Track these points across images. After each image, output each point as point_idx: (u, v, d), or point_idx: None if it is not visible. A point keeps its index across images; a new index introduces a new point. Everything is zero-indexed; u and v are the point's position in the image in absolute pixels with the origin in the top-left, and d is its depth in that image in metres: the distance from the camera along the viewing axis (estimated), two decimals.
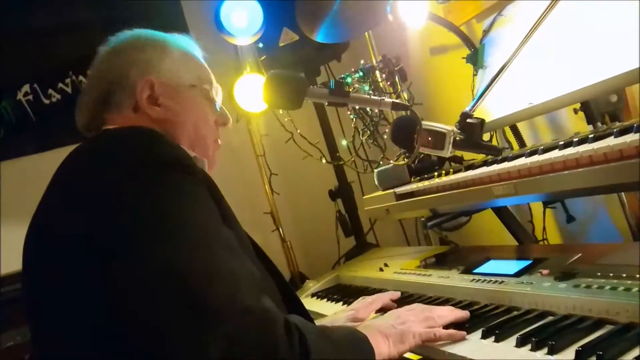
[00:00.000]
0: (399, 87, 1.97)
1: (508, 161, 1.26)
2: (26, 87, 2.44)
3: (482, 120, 1.40)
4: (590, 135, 1.05)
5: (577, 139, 1.08)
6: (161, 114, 1.12)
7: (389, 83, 1.88)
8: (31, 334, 0.96)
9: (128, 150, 0.94)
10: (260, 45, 2.30)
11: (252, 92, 2.36)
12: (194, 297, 0.80)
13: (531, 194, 1.15)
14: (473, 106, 1.41)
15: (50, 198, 0.97)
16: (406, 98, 2.01)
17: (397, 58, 2.16)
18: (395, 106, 1.30)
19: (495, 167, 1.26)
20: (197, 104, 1.18)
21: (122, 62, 1.13)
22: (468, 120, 1.40)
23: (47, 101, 2.46)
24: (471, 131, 1.40)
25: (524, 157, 1.21)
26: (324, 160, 2.29)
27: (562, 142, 1.12)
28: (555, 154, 1.09)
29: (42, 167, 2.44)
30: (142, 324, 0.80)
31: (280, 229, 2.52)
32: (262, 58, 2.30)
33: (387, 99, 1.30)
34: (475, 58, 1.76)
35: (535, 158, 1.13)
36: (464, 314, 1.12)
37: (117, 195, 0.86)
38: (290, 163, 2.54)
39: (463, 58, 1.79)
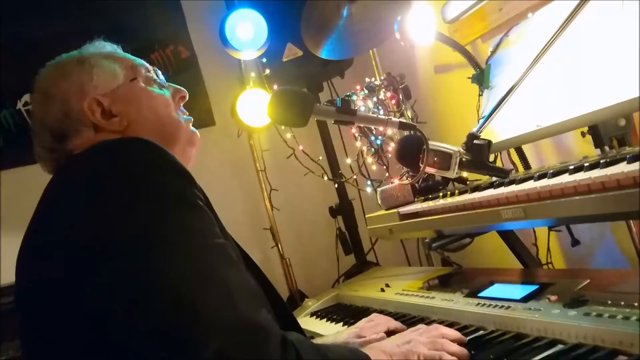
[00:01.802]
0: (403, 105, 1.95)
1: (516, 184, 1.24)
2: (26, 97, 2.41)
3: (489, 142, 1.39)
4: (601, 160, 1.04)
5: (587, 164, 1.07)
6: (123, 123, 1.11)
7: (393, 102, 1.87)
8: (22, 347, 0.94)
9: (122, 157, 0.92)
10: (264, 60, 2.29)
11: (254, 107, 2.34)
12: (187, 307, 0.77)
13: (541, 218, 1.13)
14: (480, 127, 1.39)
15: (44, 208, 0.95)
16: (410, 116, 1.99)
17: (402, 76, 2.15)
18: (402, 126, 1.29)
19: (503, 190, 1.24)
20: (145, 92, 1.16)
21: (57, 97, 1.10)
22: (475, 141, 1.38)
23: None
24: (478, 152, 1.38)
25: (532, 181, 1.19)
26: (325, 178, 2.27)
27: (572, 167, 1.10)
28: (566, 178, 1.07)
29: (42, 177, 2.43)
30: (133, 333, 0.78)
31: (280, 246, 2.49)
32: (266, 73, 2.29)
33: (394, 118, 1.28)
34: (481, 78, 1.75)
35: (545, 182, 1.11)
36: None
37: (111, 202, 0.85)
38: (291, 179, 2.52)
39: (468, 78, 1.78)
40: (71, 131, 1.09)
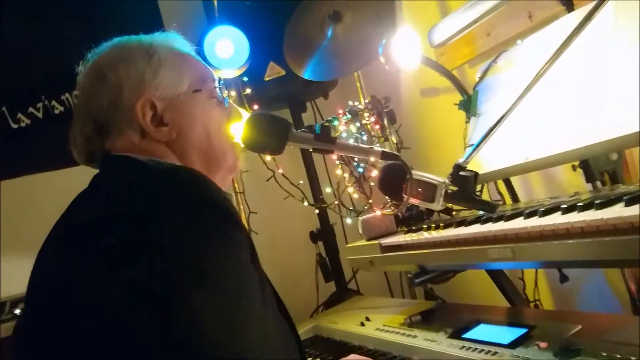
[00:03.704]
0: (388, 129, 1.88)
1: (505, 220, 1.17)
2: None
3: (476, 174, 1.31)
4: (596, 201, 0.97)
5: (581, 203, 1.00)
6: (172, 134, 1.01)
7: (377, 127, 1.79)
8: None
9: (177, 190, 0.82)
10: (245, 78, 2.21)
11: (234, 127, 2.25)
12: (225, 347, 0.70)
13: (530, 260, 1.06)
14: (467, 158, 1.32)
15: (78, 231, 0.83)
16: (394, 141, 1.92)
17: (386, 99, 2.09)
18: (385, 156, 1.21)
19: (490, 227, 1.17)
20: (205, 108, 1.06)
21: (111, 82, 0.99)
22: (461, 172, 1.31)
23: (15, 126, 2.32)
24: (464, 184, 1.30)
25: (522, 218, 1.12)
26: (305, 203, 2.19)
27: (564, 205, 1.03)
28: (558, 218, 1.00)
29: (5, 194, 2.34)
30: None
31: None
32: (246, 92, 2.20)
33: (376, 148, 1.20)
34: (468, 105, 1.69)
35: (536, 221, 1.04)
36: None
37: (165, 236, 0.75)
38: (270, 202, 2.43)
39: (456, 104, 1.72)
40: (115, 128, 0.99)
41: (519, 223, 1.10)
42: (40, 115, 2.35)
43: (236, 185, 2.44)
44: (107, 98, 0.99)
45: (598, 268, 1.61)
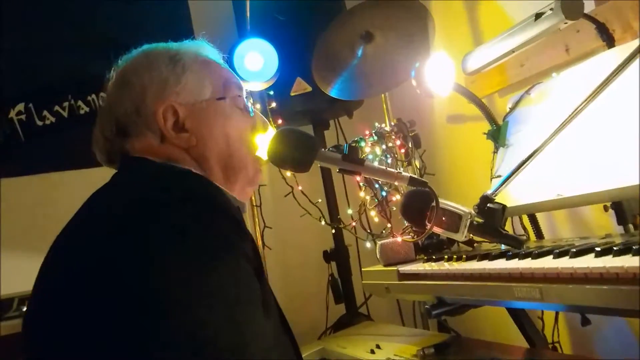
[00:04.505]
0: (412, 154, 1.85)
1: (532, 258, 1.13)
2: (20, 106, 2.31)
3: (504, 207, 1.27)
4: (634, 247, 0.92)
5: (617, 248, 0.95)
6: (192, 141, 1.00)
7: (402, 150, 1.76)
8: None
9: (187, 204, 0.80)
10: (271, 92, 2.20)
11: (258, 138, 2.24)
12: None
13: (558, 303, 1.01)
14: (496, 190, 1.28)
15: (92, 238, 0.81)
16: (418, 166, 1.89)
17: (412, 122, 2.05)
18: (412, 181, 1.18)
19: (517, 264, 1.13)
20: (228, 116, 1.05)
21: (135, 88, 1.00)
22: (489, 204, 1.27)
23: (40, 123, 2.33)
24: (491, 217, 1.26)
25: (551, 257, 1.08)
26: (322, 222, 2.15)
27: (598, 248, 0.99)
28: (592, 261, 0.95)
29: (22, 191, 2.34)
30: None
31: None
32: (272, 106, 2.19)
33: (404, 173, 1.17)
34: (497, 135, 1.65)
35: (567, 262, 1.00)
36: None
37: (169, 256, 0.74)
38: (286, 218, 2.40)
39: (484, 133, 1.68)
40: (135, 131, 1.00)
41: (548, 262, 1.06)
42: (65, 114, 2.36)
43: (253, 198, 2.41)
44: (131, 103, 1.00)
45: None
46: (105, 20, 2.43)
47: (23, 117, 2.31)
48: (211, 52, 1.10)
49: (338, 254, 2.37)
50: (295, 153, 1.09)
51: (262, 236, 2.39)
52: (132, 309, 0.71)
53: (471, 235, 1.31)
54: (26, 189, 2.26)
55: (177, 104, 1.00)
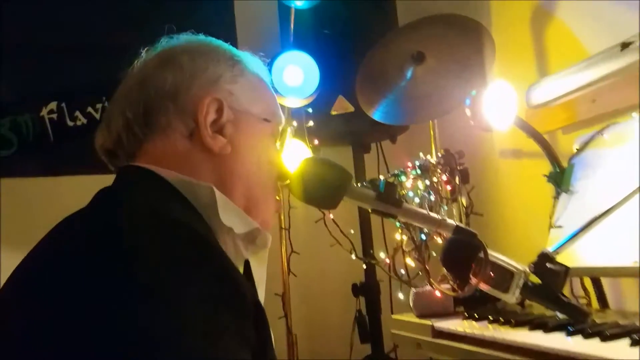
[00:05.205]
0: (459, 190, 1.65)
1: (602, 340, 0.92)
2: (53, 105, 2.25)
3: (567, 269, 1.07)
4: None
5: None
6: (226, 149, 0.85)
7: (448, 187, 1.57)
8: None
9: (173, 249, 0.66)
10: (310, 109, 2.05)
11: (290, 159, 2.09)
12: None
13: None
14: (558, 248, 1.08)
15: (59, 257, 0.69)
16: (464, 204, 1.69)
17: (460, 154, 1.85)
18: (458, 231, 0.99)
19: (582, 345, 0.93)
20: (266, 143, 0.94)
21: (183, 71, 0.86)
22: (548, 264, 1.07)
23: (71, 123, 2.27)
24: (550, 279, 1.06)
25: (627, 342, 0.87)
26: (353, 256, 1.98)
27: None
28: None
29: (46, 191, 2.28)
30: None
31: (289, 318, 2.18)
32: (309, 124, 2.05)
33: (449, 220, 0.99)
34: (560, 178, 1.45)
35: None
36: None
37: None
38: (315, 244, 2.23)
39: (545, 175, 1.48)
40: (162, 120, 0.84)
41: (623, 349, 0.85)
42: (97, 116, 2.29)
43: (282, 219, 2.27)
44: (172, 81, 0.85)
45: None
46: (148, 25, 2.35)
47: (54, 116, 2.25)
48: (267, 75, 1.00)
49: (368, 289, 2.19)
50: (321, 189, 0.94)
51: (288, 261, 2.23)
52: None
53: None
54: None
55: (226, 103, 0.87)
